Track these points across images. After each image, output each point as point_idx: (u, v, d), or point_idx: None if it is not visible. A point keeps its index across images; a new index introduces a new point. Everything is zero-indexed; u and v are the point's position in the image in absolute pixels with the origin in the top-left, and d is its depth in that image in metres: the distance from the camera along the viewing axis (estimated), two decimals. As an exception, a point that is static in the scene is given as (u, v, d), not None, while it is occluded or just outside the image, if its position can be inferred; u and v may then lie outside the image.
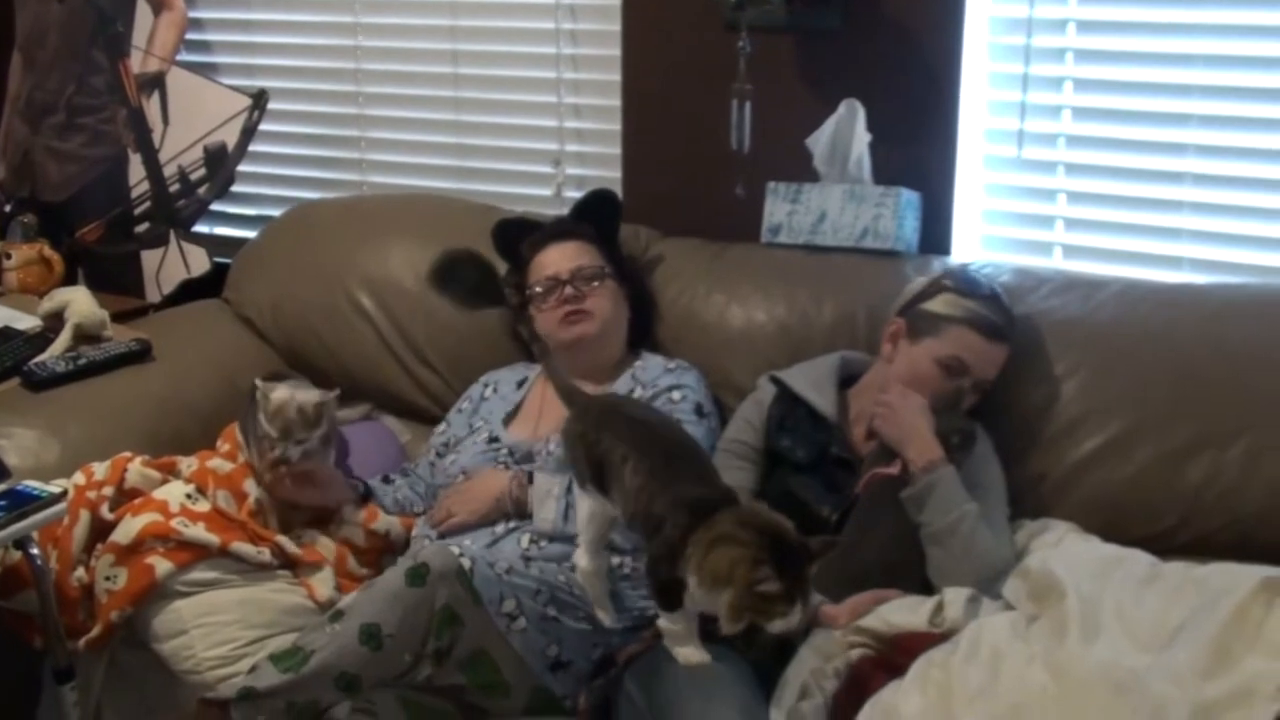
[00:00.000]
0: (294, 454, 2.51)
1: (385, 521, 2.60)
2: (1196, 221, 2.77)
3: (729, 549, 1.91)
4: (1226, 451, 2.40)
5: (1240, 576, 2.02)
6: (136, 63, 3.65)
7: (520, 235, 2.87)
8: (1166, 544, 2.39)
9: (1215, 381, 2.45)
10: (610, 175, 3.25)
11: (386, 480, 2.75)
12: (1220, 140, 2.72)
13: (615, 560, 2.41)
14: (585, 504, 2.16)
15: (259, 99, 3.56)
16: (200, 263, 3.68)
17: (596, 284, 2.72)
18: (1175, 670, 1.86)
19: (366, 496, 2.67)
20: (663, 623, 2.06)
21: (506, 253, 2.90)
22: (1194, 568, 2.15)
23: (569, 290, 2.70)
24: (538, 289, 2.74)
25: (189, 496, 2.51)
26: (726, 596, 1.90)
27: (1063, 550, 2.30)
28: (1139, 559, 2.18)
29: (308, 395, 2.56)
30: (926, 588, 2.27)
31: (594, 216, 2.87)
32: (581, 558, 2.18)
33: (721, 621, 1.96)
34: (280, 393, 2.55)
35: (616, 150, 3.24)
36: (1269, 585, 1.97)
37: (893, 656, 2.08)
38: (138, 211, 3.72)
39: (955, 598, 2.17)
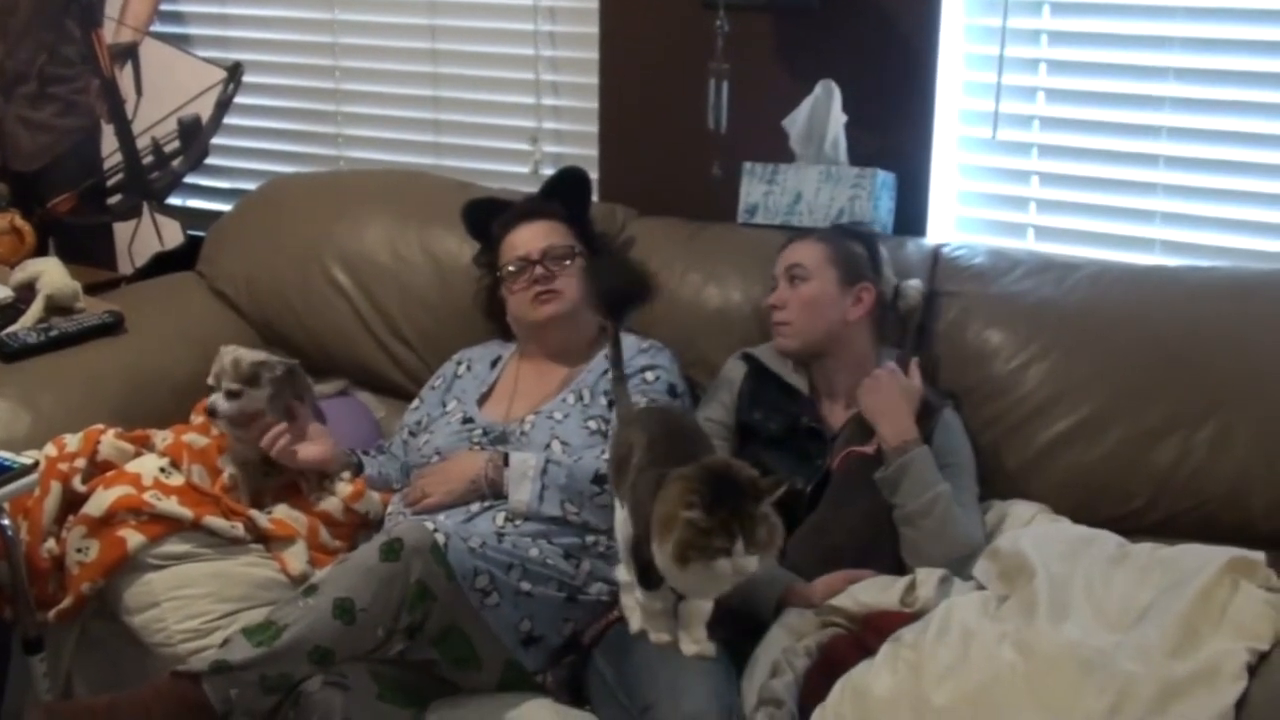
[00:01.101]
0: (221, 405, 2.50)
1: (368, 503, 2.60)
2: (1169, 204, 2.79)
3: (672, 489, 1.93)
4: (1196, 433, 2.42)
5: (1207, 557, 2.05)
6: (109, 33, 3.62)
7: (490, 215, 2.86)
8: (1135, 524, 2.42)
9: (1186, 364, 2.47)
10: (587, 153, 3.24)
11: (365, 454, 2.75)
12: (1194, 123, 2.74)
13: (590, 539, 2.43)
14: (618, 513, 2.18)
15: (234, 72, 3.54)
16: (173, 235, 3.66)
17: (567, 263, 2.72)
18: (1142, 649, 1.88)
19: (359, 468, 2.67)
20: (641, 598, 2.08)
21: (477, 233, 2.90)
22: (1162, 548, 2.18)
23: (539, 270, 2.70)
24: (509, 269, 2.74)
25: (163, 470, 2.50)
26: (669, 540, 1.91)
27: (1033, 531, 2.32)
28: (1108, 540, 2.21)
29: (250, 353, 2.57)
30: (899, 567, 2.29)
31: (564, 195, 2.86)
32: (621, 573, 2.18)
33: (669, 573, 1.95)
34: (228, 347, 2.56)
35: (594, 128, 3.23)
36: (1235, 566, 2.01)
37: (864, 635, 2.10)
38: (110, 183, 3.70)
39: (927, 578, 2.19)
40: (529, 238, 2.74)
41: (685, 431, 2.20)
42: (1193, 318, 2.51)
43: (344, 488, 2.60)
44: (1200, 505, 2.41)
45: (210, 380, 2.52)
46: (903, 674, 1.94)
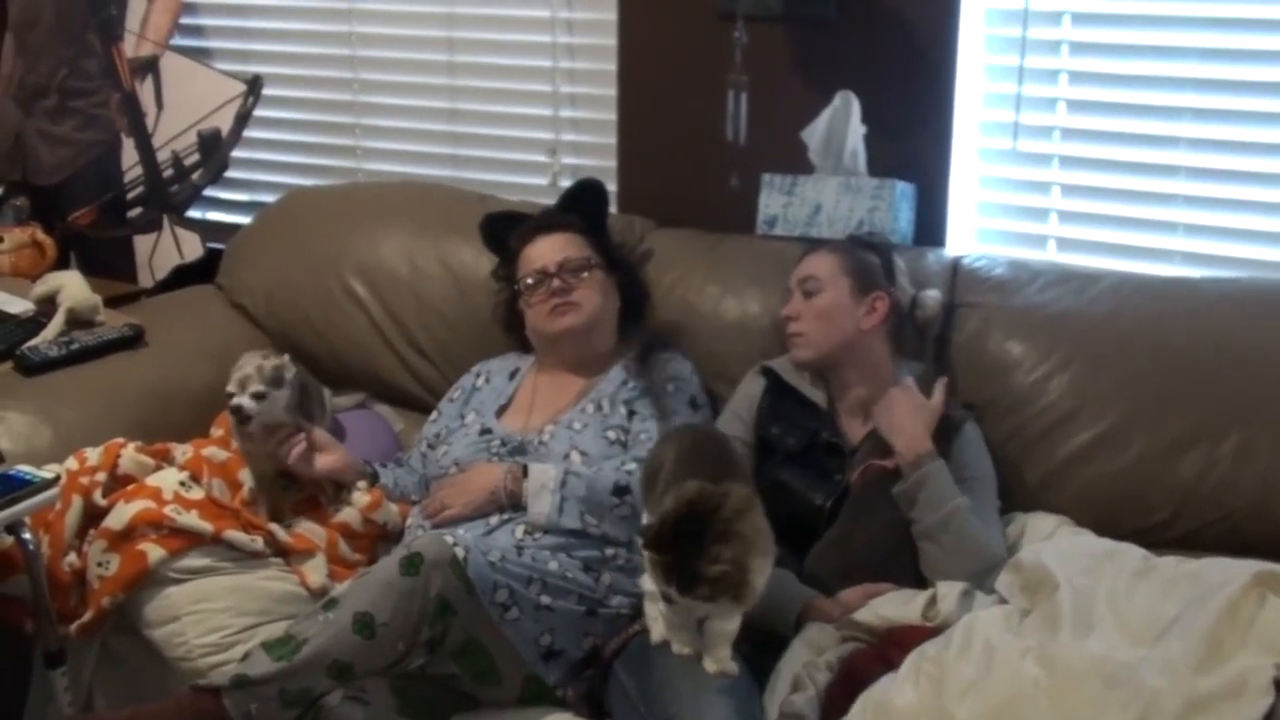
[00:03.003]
0: (249, 405, 2.49)
1: (385, 513, 2.60)
2: (1190, 215, 2.77)
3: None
4: (1219, 445, 2.41)
5: (1232, 571, 2.03)
6: (130, 46, 3.63)
7: (508, 228, 2.86)
8: (1158, 537, 2.40)
9: (1208, 375, 2.46)
10: (605, 165, 3.24)
11: (381, 465, 2.74)
12: (1214, 134, 2.72)
13: (610, 551, 2.43)
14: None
15: (254, 85, 3.55)
16: (193, 248, 3.67)
17: (584, 275, 2.72)
18: (1168, 664, 1.87)
19: (375, 478, 2.67)
20: (665, 610, 2.08)
21: (495, 246, 2.90)
22: (1186, 562, 2.16)
23: (556, 283, 2.70)
24: (527, 281, 2.73)
25: (183, 484, 2.51)
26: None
27: (1055, 544, 2.31)
28: (1131, 553, 2.19)
29: (269, 359, 2.57)
30: (920, 581, 2.28)
31: (581, 207, 2.86)
32: (647, 582, 2.18)
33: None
34: (244, 357, 2.56)
35: (612, 140, 3.23)
36: (1261, 580, 1.99)
37: (886, 650, 2.09)
38: (131, 196, 3.71)
39: (948, 591, 2.18)
40: (546, 250, 2.74)
41: (714, 447, 2.20)
42: (1215, 329, 2.50)
43: (361, 498, 2.60)
44: (1225, 517, 2.40)
45: (232, 387, 2.51)
46: (925, 689, 1.93)
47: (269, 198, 3.56)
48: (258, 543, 2.46)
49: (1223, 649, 1.88)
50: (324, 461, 2.58)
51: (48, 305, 3.03)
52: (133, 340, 2.98)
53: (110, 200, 3.72)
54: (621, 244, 2.92)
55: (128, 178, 3.70)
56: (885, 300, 2.54)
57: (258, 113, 3.58)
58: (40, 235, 3.58)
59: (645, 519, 2.17)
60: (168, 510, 2.42)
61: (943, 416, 2.41)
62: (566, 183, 3.18)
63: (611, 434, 2.57)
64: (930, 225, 2.90)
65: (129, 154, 3.69)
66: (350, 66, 3.60)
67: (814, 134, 2.84)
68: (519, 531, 2.42)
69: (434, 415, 2.84)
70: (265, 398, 2.51)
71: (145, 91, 3.64)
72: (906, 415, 2.37)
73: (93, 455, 2.58)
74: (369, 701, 2.23)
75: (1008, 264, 2.74)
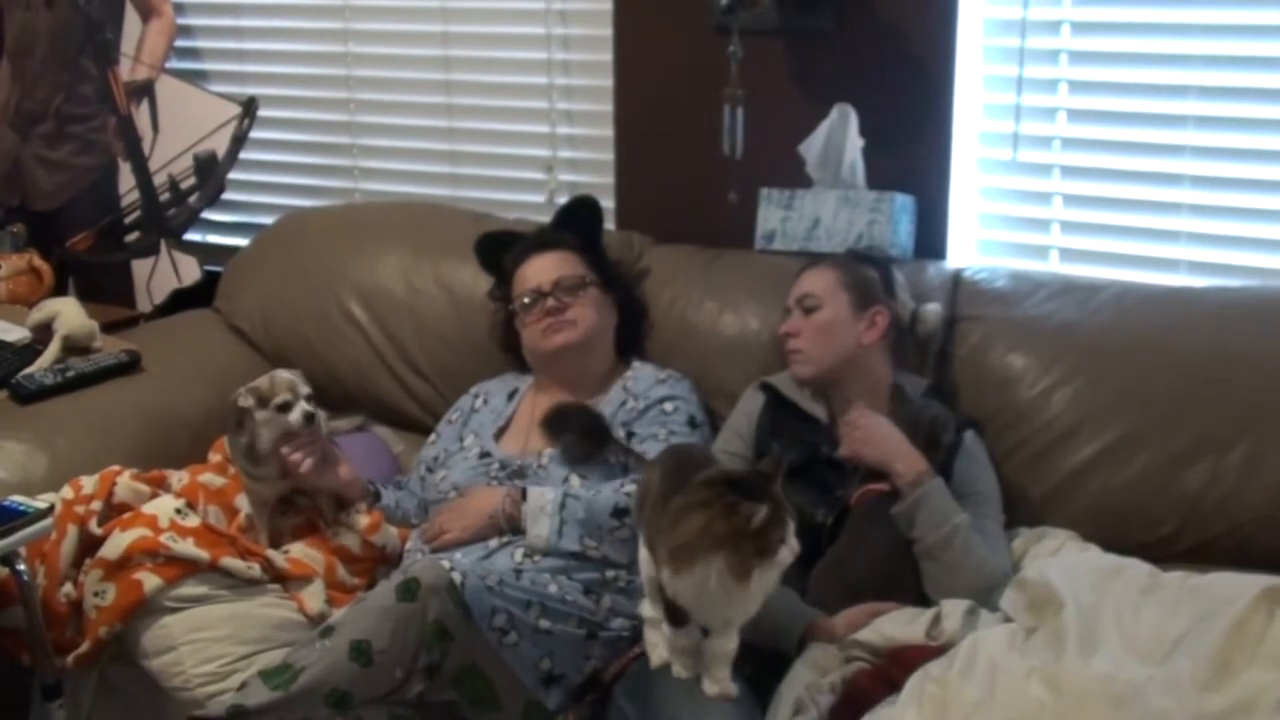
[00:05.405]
0: (313, 409, 2.48)
1: (384, 536, 2.58)
2: (1194, 224, 2.75)
3: (693, 518, 1.91)
4: (1226, 457, 2.38)
5: (1240, 586, 2.01)
6: (125, 70, 3.63)
7: (503, 248, 2.85)
8: (1165, 551, 2.37)
9: (1214, 386, 2.43)
10: (603, 181, 3.23)
11: (382, 487, 2.72)
12: (1217, 141, 2.70)
13: (610, 573, 2.41)
14: (642, 552, 2.15)
15: (249, 106, 3.54)
16: (191, 272, 3.66)
17: (580, 293, 2.70)
18: (1175, 682, 1.84)
19: (376, 497, 2.65)
20: (669, 634, 2.05)
21: (490, 266, 2.88)
22: (1193, 577, 2.13)
23: (551, 302, 2.68)
24: (523, 301, 2.72)
25: (179, 511, 2.48)
26: (719, 562, 1.89)
27: (1061, 560, 2.28)
28: (1138, 568, 2.16)
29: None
30: (923, 600, 2.25)
31: (576, 224, 2.85)
32: (646, 608, 2.15)
33: (724, 590, 1.92)
34: (277, 377, 2.53)
35: (609, 156, 3.22)
36: (1270, 595, 1.96)
37: (889, 670, 2.06)
38: (128, 220, 3.70)
39: (953, 610, 2.15)
40: (540, 269, 2.73)
41: (698, 464, 2.17)
42: (1220, 338, 2.47)
43: (360, 520, 2.58)
44: (1232, 530, 2.37)
45: (285, 396, 2.47)
46: (929, 712, 1.90)
47: (266, 219, 3.55)
48: (254, 569, 2.44)
49: (1231, 666, 1.85)
50: (342, 471, 2.56)
51: (44, 332, 3.02)
52: (129, 366, 2.96)
53: (108, 225, 3.70)
54: (619, 261, 2.90)
55: (125, 202, 3.69)
56: (885, 315, 2.52)
57: (254, 134, 3.57)
58: (38, 261, 3.57)
59: (640, 542, 2.14)
60: (163, 538, 2.40)
61: (931, 422, 2.38)
62: (564, 200, 3.17)
63: (611, 457, 2.54)
64: (930, 238, 2.87)
65: (126, 178, 3.68)
66: (346, 86, 3.59)
67: (812, 147, 2.82)
68: (518, 555, 2.39)
69: (433, 437, 2.82)
70: (314, 398, 2.50)
71: (141, 115, 3.63)
72: (889, 439, 2.34)
73: (88, 484, 2.56)
74: (368, 730, 2.21)
75: (1009, 276, 2.72)
